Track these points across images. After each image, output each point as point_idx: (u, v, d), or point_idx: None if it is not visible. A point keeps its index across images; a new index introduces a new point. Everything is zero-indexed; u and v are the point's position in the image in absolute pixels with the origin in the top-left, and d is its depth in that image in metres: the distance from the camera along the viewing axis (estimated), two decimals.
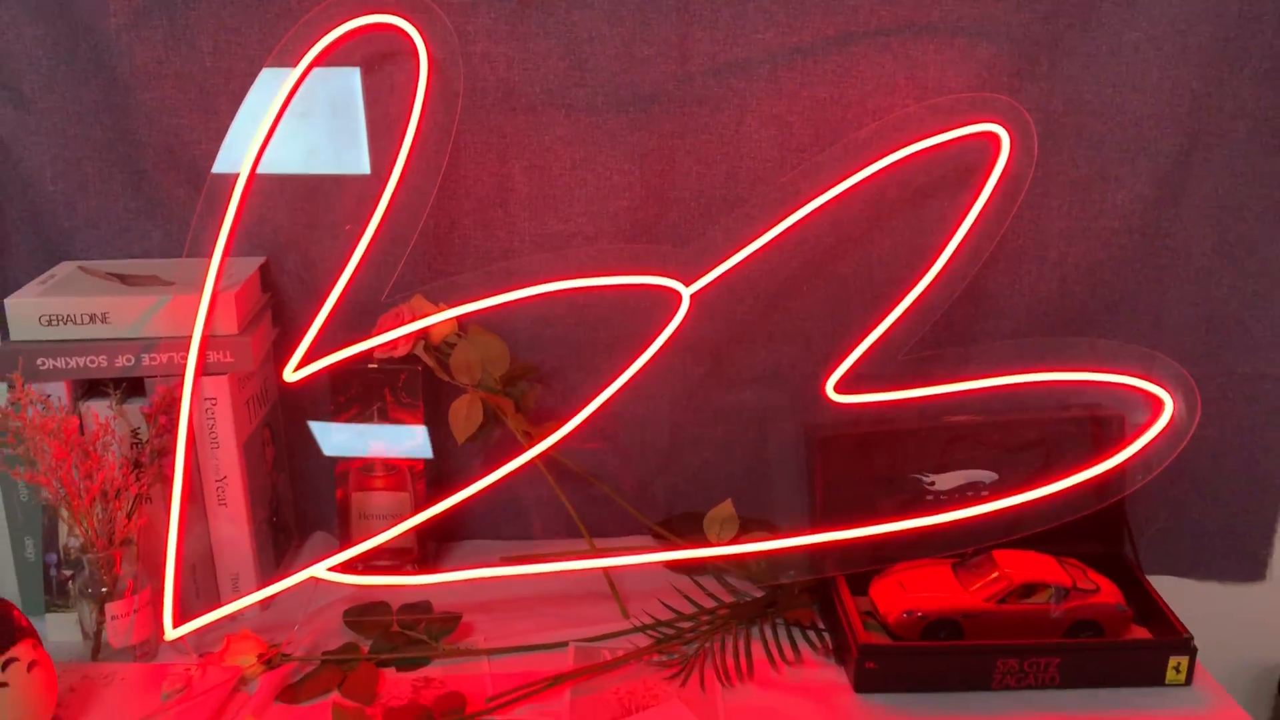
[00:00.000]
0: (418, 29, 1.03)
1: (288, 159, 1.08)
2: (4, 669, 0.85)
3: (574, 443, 1.08)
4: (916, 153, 1.05)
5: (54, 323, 1.03)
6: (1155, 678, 0.99)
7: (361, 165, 1.13)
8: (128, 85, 1.10)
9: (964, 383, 1.07)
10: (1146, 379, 1.04)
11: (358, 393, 1.13)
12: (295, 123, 1.05)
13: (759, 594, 1.14)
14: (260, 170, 1.03)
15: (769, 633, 1.08)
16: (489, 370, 1.15)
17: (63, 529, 1.06)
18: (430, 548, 1.21)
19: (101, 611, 1.01)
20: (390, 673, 1.02)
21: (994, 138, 1.05)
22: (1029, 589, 1.02)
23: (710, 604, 1.12)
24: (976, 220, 1.06)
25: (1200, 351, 1.21)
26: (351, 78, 1.10)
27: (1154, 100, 1.13)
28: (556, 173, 1.15)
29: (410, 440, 1.15)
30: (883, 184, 1.08)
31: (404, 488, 1.16)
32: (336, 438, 1.15)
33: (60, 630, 1.06)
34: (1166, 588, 1.10)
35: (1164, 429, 1.03)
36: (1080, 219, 1.18)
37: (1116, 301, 1.21)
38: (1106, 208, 1.17)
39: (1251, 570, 1.30)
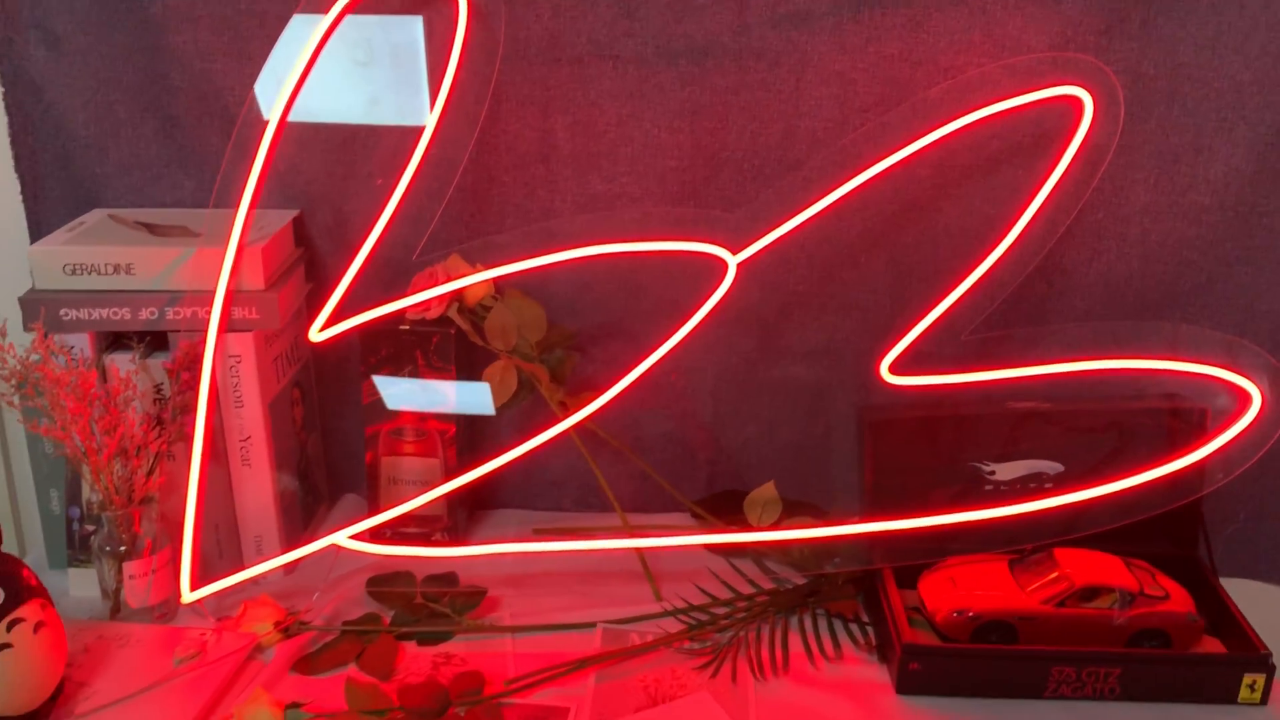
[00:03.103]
0: None
1: (345, 109, 1.04)
2: (9, 630, 0.82)
3: (611, 413, 1.03)
4: (990, 116, 0.97)
5: (78, 272, 1.00)
6: (1228, 695, 0.92)
7: (422, 116, 1.06)
8: (160, 27, 1.07)
9: (1031, 367, 0.99)
10: (1231, 369, 0.96)
11: (389, 355, 1.09)
12: (355, 71, 1.02)
13: (800, 581, 1.08)
14: (315, 120, 0.99)
15: (808, 624, 1.02)
16: (525, 336, 1.10)
17: (85, 483, 1.04)
18: (460, 516, 1.17)
19: (120, 570, 0.99)
20: (411, 647, 0.99)
21: (1076, 102, 0.96)
22: (1091, 592, 0.94)
23: (748, 590, 1.07)
24: (1053, 191, 0.98)
25: None
26: (414, 26, 1.05)
27: (1257, 64, 1.03)
28: (601, 129, 1.09)
29: (472, 396, 1.11)
30: (952, 149, 1.01)
31: (434, 453, 1.12)
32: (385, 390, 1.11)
33: (82, 586, 1.05)
34: (1242, 594, 1.02)
35: (1250, 424, 0.95)
36: (1167, 193, 1.09)
37: (1203, 284, 1.11)
38: (1197, 182, 1.08)
39: None
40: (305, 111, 1.00)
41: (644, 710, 0.90)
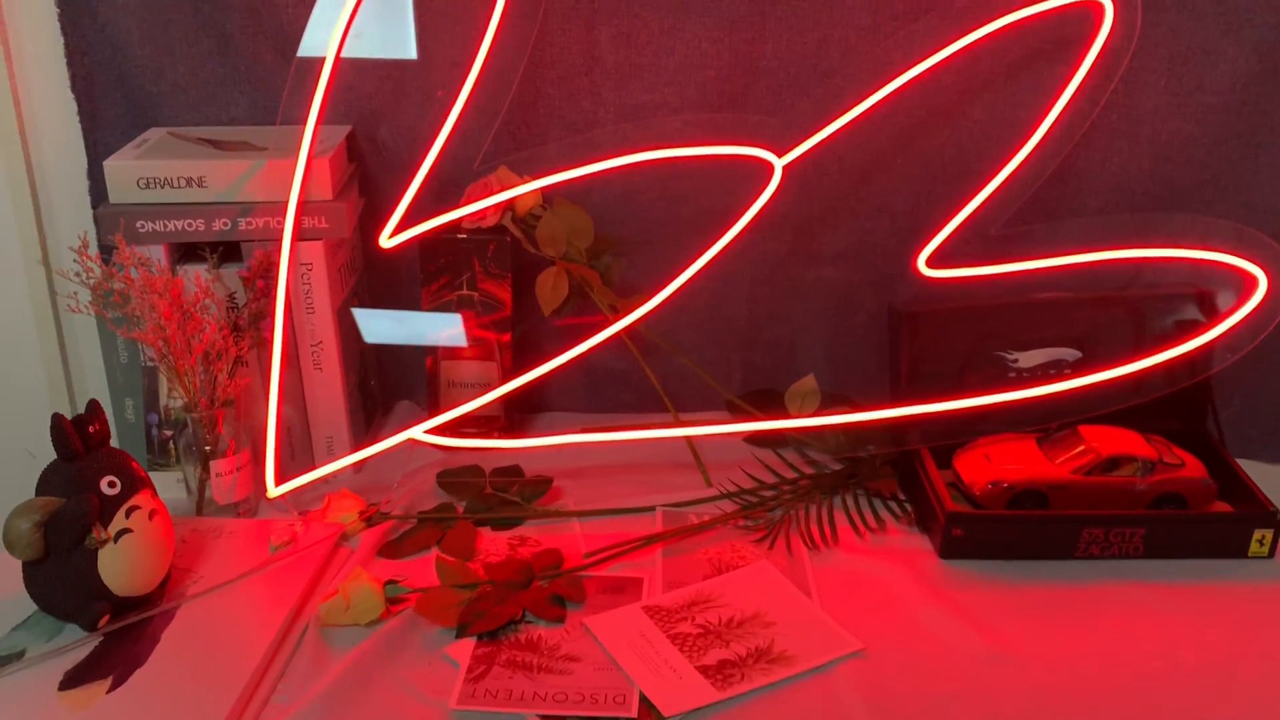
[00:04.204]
0: None
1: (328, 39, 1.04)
2: (128, 516, 0.88)
3: (652, 317, 1.09)
4: (1015, 22, 1.03)
5: (151, 186, 1.04)
6: (1239, 550, 1.01)
7: (408, 49, 1.09)
8: None
9: (1055, 258, 1.06)
10: (1239, 255, 1.03)
11: (447, 263, 1.14)
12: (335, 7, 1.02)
13: (839, 467, 1.15)
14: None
15: (850, 503, 1.10)
16: (574, 243, 1.15)
17: (162, 390, 1.09)
18: (515, 417, 1.23)
19: (205, 469, 1.04)
20: (485, 532, 1.05)
21: (1097, 7, 1.02)
22: (1114, 462, 1.03)
23: (791, 475, 1.14)
24: (1074, 95, 1.04)
25: None
26: None
27: None
28: (644, 40, 1.14)
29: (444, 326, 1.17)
30: (976, 55, 1.05)
31: (491, 357, 1.18)
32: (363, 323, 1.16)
33: (163, 488, 1.08)
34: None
35: (1257, 305, 1.02)
36: (1177, 94, 1.15)
37: (1208, 181, 1.18)
38: (1204, 83, 1.14)
39: None
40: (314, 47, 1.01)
41: (712, 578, 0.98)
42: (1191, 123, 1.16)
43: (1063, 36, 1.08)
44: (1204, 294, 1.09)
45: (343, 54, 1.01)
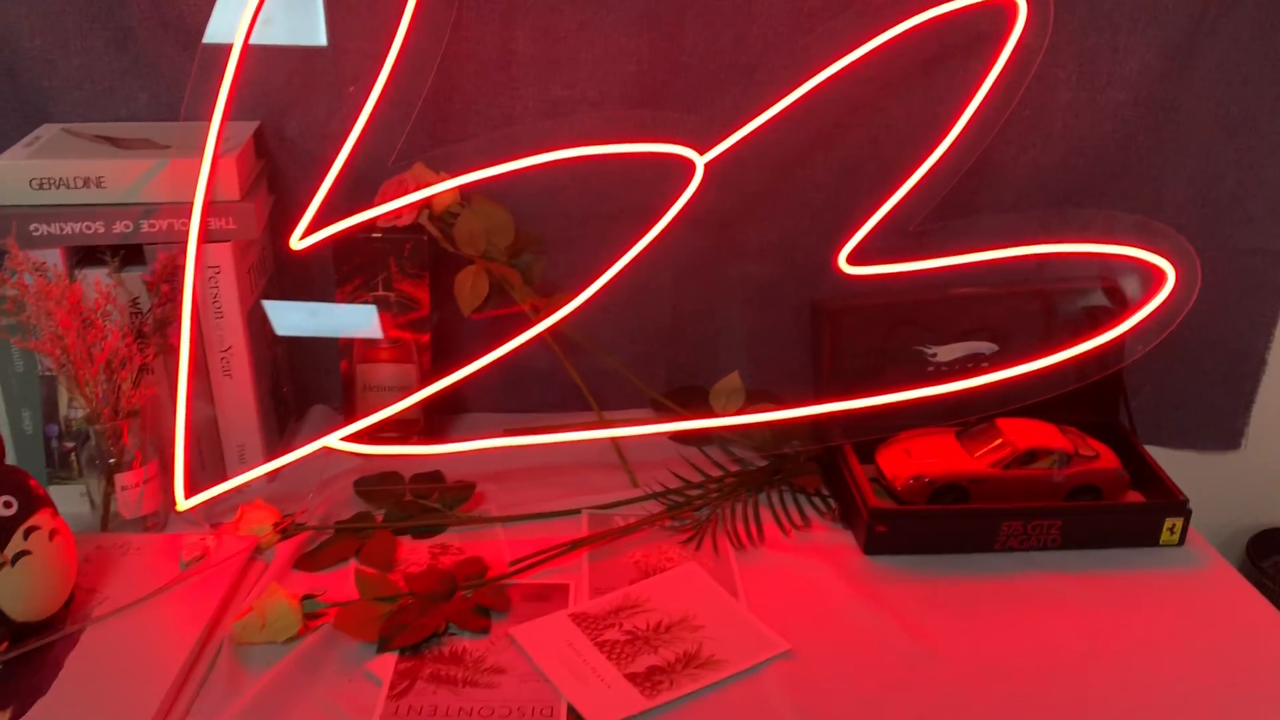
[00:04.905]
0: None
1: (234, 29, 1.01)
2: (26, 537, 0.84)
3: (575, 315, 1.08)
4: (932, 19, 1.03)
5: (45, 186, 0.99)
6: (1151, 538, 1.04)
7: (317, 37, 1.06)
8: None
9: (970, 254, 1.07)
10: (1147, 249, 1.05)
11: (362, 262, 1.11)
12: None
13: (763, 464, 1.15)
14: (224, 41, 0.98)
15: (775, 499, 1.10)
16: (494, 241, 1.13)
17: (62, 400, 1.04)
18: (435, 420, 1.21)
19: (110, 482, 1.00)
20: (406, 541, 1.03)
21: (1010, 5, 1.03)
22: (1032, 455, 1.04)
23: (717, 473, 1.14)
24: (990, 91, 1.05)
25: (1195, 225, 1.22)
26: None
27: None
28: (562, 35, 1.12)
29: (358, 318, 1.14)
30: (894, 51, 1.06)
31: (409, 359, 1.15)
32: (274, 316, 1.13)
33: (65, 503, 1.03)
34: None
35: (1164, 299, 1.05)
36: (1087, 90, 1.17)
37: (1117, 174, 1.21)
38: (1114, 79, 1.17)
39: (1229, 440, 1.34)
40: (221, 33, 0.98)
41: (639, 582, 0.97)
42: (1102, 117, 1.18)
43: (978, 34, 1.09)
44: (1113, 287, 1.11)
45: (250, 42, 0.98)
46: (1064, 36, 1.14)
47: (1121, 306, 1.08)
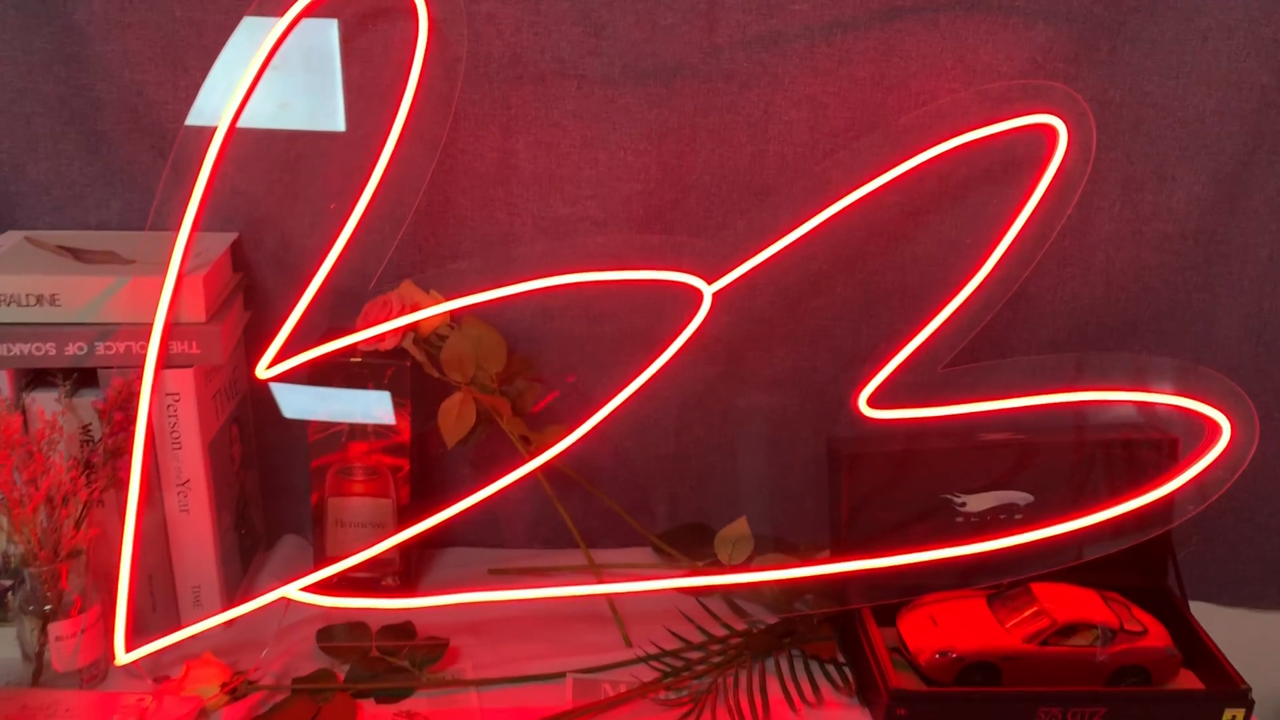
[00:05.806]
0: None
1: (255, 112, 0.95)
2: None
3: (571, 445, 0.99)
4: (965, 144, 0.96)
5: None
6: None
7: (336, 122, 1.00)
8: (85, 34, 0.99)
9: (1005, 400, 0.98)
10: (1200, 399, 0.96)
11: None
12: (267, 74, 0.94)
13: (772, 620, 1.04)
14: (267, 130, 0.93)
15: (785, 667, 0.99)
16: (483, 366, 1.04)
17: (1, 535, 0.95)
18: (413, 556, 1.11)
19: (44, 631, 0.90)
20: (369, 704, 0.92)
21: (1049, 130, 0.95)
22: (1072, 629, 0.93)
23: (720, 631, 1.03)
24: (1028, 220, 0.97)
25: (1249, 366, 1.13)
26: (328, 30, 0.98)
27: (1219, 94, 1.04)
28: (565, 150, 1.05)
29: (372, 405, 1.04)
30: (921, 175, 0.98)
31: (386, 493, 1.05)
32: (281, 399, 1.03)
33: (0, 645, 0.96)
34: (1199, 616, 1.03)
35: (1220, 454, 0.95)
36: (1131, 221, 1.09)
37: (1164, 311, 1.12)
38: (1160, 210, 1.09)
39: None
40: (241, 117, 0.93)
41: None
42: (1147, 250, 1.10)
43: (1012, 158, 1.01)
44: (1167, 439, 1.01)
45: (230, 142, 0.91)
46: (1107, 163, 1.07)
47: (1173, 459, 0.98)
